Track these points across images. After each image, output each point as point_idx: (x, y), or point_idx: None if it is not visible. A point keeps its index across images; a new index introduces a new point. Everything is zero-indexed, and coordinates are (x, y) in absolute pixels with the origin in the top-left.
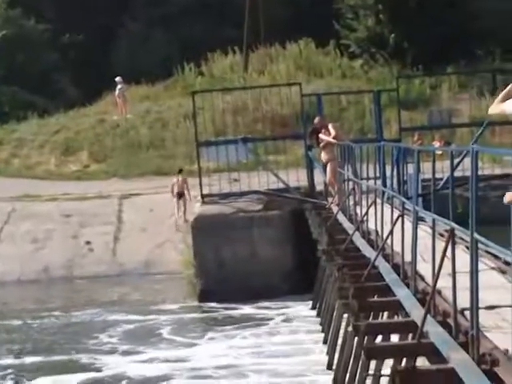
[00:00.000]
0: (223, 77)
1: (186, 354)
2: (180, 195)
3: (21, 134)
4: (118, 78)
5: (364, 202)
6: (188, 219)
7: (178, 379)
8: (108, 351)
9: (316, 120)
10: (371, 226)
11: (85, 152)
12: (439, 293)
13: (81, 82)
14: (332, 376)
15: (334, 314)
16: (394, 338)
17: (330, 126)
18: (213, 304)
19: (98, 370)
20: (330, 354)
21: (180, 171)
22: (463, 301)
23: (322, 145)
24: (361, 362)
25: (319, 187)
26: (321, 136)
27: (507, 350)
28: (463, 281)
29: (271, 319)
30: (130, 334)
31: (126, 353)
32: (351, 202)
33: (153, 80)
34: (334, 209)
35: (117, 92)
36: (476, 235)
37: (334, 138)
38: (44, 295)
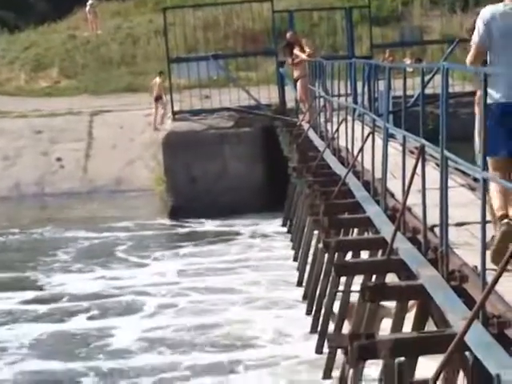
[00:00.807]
0: None
1: (133, 272)
2: (157, 98)
3: None
4: None
5: (335, 119)
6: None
7: (118, 297)
8: (59, 269)
9: (288, 35)
10: (342, 143)
11: (55, 68)
12: (409, 210)
13: None
14: (302, 292)
15: (305, 230)
16: (364, 255)
17: (304, 43)
18: (182, 220)
19: (43, 288)
20: (301, 270)
21: (160, 73)
22: (433, 218)
23: (295, 61)
24: (331, 279)
25: (290, 104)
26: (295, 52)
27: (476, 267)
28: (433, 198)
29: (240, 234)
30: (86, 251)
31: (75, 271)
32: (322, 119)
33: None
34: (305, 126)
35: (87, 8)
36: (446, 152)
37: (308, 55)
38: (13, 212)
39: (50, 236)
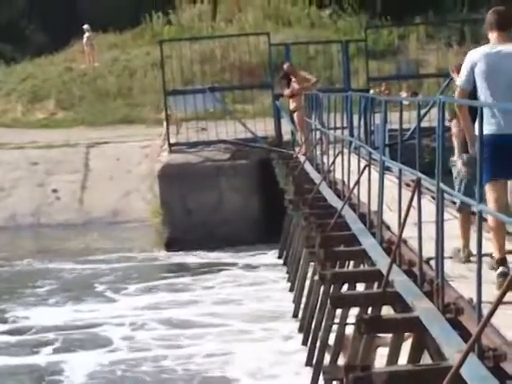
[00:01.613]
0: (191, 26)
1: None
2: None
3: None
4: (85, 26)
5: (331, 152)
6: None
7: (82, 330)
8: (32, 302)
9: (285, 66)
10: (338, 175)
11: (52, 100)
12: (405, 242)
13: (48, 29)
14: (298, 324)
15: (301, 262)
16: (360, 287)
17: (303, 74)
18: (177, 252)
19: (13, 321)
20: (297, 302)
21: None
22: (428, 250)
23: (291, 93)
24: (326, 311)
25: (286, 137)
26: (293, 85)
27: (471, 299)
28: (429, 230)
29: (235, 265)
30: (66, 283)
31: (47, 304)
32: (318, 152)
33: (121, 28)
34: (301, 158)
35: (84, 40)
36: (442, 185)
37: (314, 83)
38: (6, 242)
39: (36, 267)
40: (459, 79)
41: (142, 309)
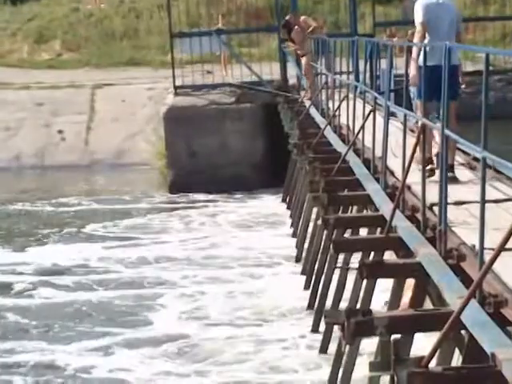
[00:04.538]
0: None
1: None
2: None
3: None
4: None
5: (336, 97)
6: None
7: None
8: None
9: (288, 16)
10: (343, 120)
11: (58, 41)
12: (409, 188)
13: None
14: (300, 268)
15: (304, 207)
16: (363, 232)
17: (305, 20)
18: (180, 194)
19: None
20: (299, 247)
21: None
22: (432, 196)
23: (295, 41)
24: (329, 255)
25: (292, 81)
26: (295, 34)
27: (474, 246)
28: (433, 176)
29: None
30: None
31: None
32: (323, 97)
33: None
34: (307, 103)
35: None
36: (447, 131)
37: (313, 29)
38: (9, 183)
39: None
40: (417, 18)
41: None
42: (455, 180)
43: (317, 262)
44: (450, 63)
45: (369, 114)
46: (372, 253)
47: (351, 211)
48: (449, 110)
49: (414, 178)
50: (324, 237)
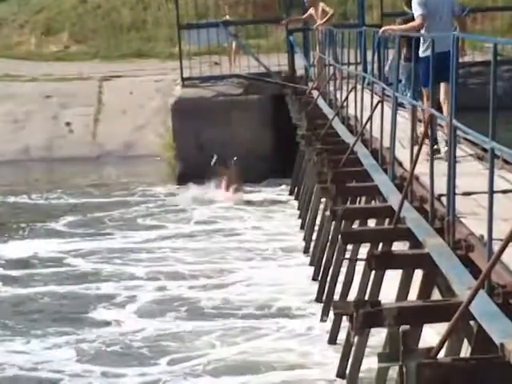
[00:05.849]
0: None
1: None
2: None
3: (1, 13)
4: None
5: (344, 88)
6: None
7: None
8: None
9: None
10: (351, 111)
11: (66, 33)
12: (417, 179)
13: None
14: (308, 259)
15: (312, 198)
16: (371, 223)
17: (324, 5)
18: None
19: None
20: (308, 238)
21: None
22: (440, 187)
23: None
24: (337, 247)
25: (300, 72)
26: (310, 14)
27: (482, 236)
28: (441, 167)
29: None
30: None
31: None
32: (331, 87)
33: None
34: (315, 94)
35: None
36: (455, 122)
37: (329, 17)
38: (15, 176)
39: (48, 202)
40: (416, 10)
41: None
42: (437, 152)
43: (325, 254)
44: (443, 50)
45: (377, 105)
46: (380, 244)
47: (359, 202)
48: (446, 92)
49: (422, 168)
50: (332, 228)
